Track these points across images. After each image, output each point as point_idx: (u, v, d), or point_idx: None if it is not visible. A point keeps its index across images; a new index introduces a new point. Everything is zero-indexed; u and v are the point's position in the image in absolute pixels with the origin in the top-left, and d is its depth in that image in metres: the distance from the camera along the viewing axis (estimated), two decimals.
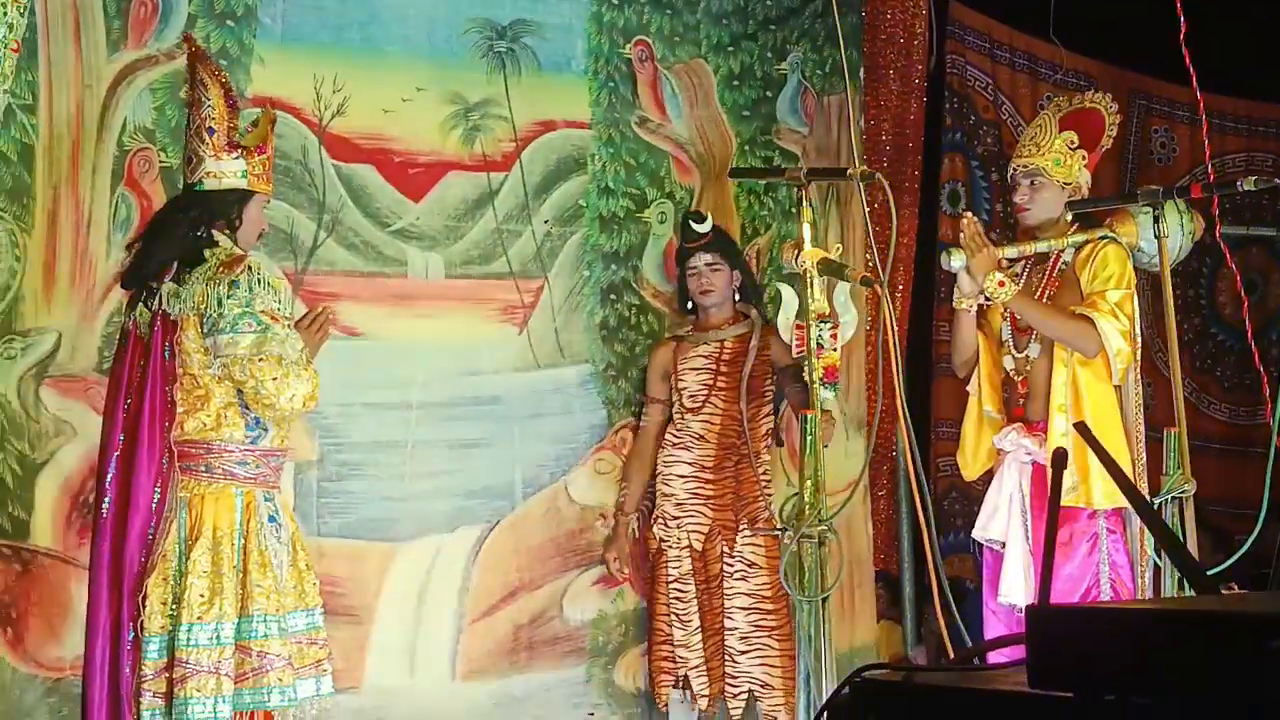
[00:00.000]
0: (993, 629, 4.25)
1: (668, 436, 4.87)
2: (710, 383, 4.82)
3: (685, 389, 4.85)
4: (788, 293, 4.21)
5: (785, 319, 4.08)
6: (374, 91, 4.73)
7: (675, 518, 4.79)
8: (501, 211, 4.93)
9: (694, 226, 4.84)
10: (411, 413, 4.76)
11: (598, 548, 5.00)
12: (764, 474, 4.79)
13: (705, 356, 4.85)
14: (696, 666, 4.72)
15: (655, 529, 4.82)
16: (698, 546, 4.76)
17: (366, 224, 4.73)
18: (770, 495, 4.76)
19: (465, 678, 4.79)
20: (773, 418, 4.86)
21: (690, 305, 4.92)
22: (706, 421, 4.80)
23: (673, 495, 4.80)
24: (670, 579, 4.77)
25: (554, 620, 4.94)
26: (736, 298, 4.89)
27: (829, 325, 3.74)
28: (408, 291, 4.78)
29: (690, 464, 4.80)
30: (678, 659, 4.73)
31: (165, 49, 4.42)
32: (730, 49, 5.34)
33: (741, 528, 4.72)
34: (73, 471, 4.24)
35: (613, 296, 5.10)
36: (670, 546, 4.78)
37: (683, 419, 4.84)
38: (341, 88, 4.67)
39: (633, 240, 5.14)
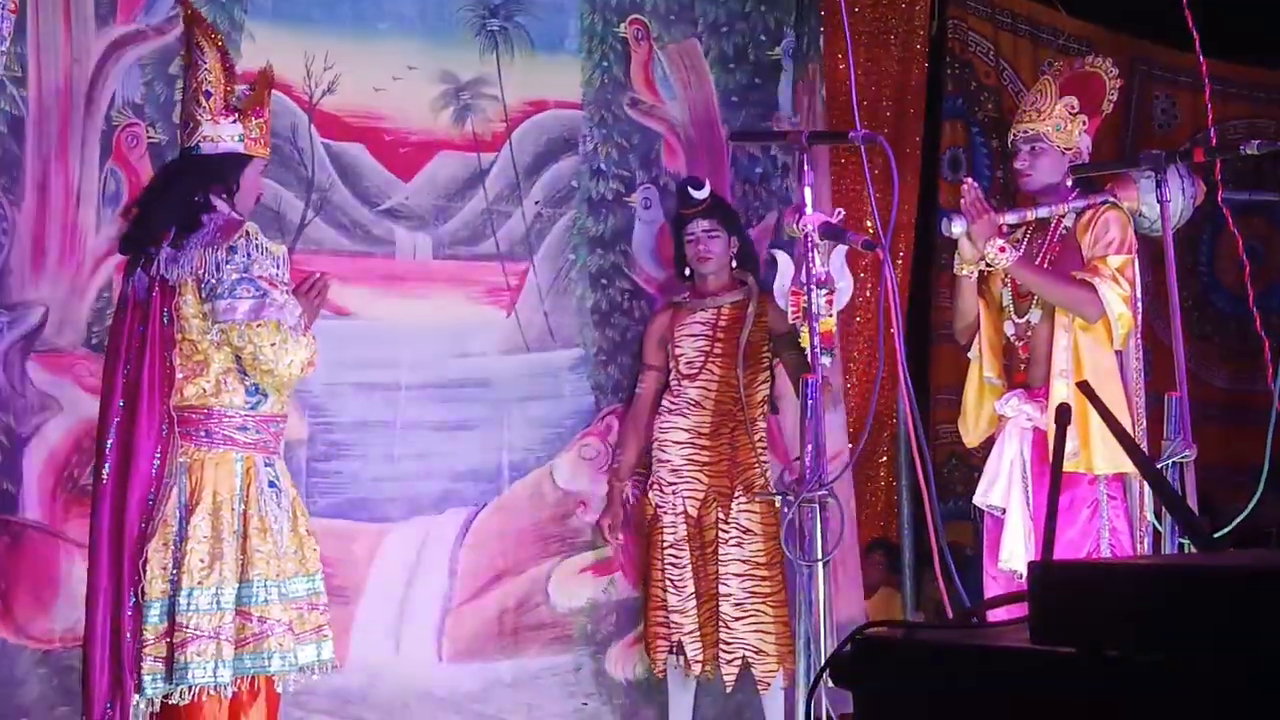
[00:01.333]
0: (993, 595, 4.25)
1: (664, 403, 4.86)
2: (707, 349, 4.81)
3: (682, 355, 4.84)
4: (783, 259, 4.19)
5: (781, 285, 4.07)
6: (365, 69, 4.71)
7: (671, 484, 4.79)
8: (492, 192, 4.90)
9: (692, 192, 4.83)
10: (400, 393, 4.74)
11: (580, 534, 4.98)
12: (760, 441, 4.78)
13: (702, 323, 4.84)
14: (690, 633, 4.72)
15: (651, 495, 4.82)
16: (693, 513, 4.76)
17: (355, 203, 4.72)
18: (766, 462, 4.76)
19: (452, 659, 4.78)
20: (769, 385, 4.85)
21: (688, 272, 4.91)
22: (703, 388, 4.80)
23: (668, 461, 4.79)
24: (665, 545, 4.77)
25: (540, 606, 4.92)
26: (734, 264, 4.87)
27: (825, 291, 3.73)
28: (396, 271, 4.77)
29: (686, 430, 4.80)
30: (672, 625, 4.74)
31: (155, 24, 4.39)
32: (724, 29, 5.31)
33: (737, 494, 4.71)
34: (58, 446, 4.24)
35: (604, 281, 5.08)
36: (666, 513, 4.78)
37: (679, 385, 4.83)
38: (332, 65, 4.65)
39: (620, 224, 5.11)
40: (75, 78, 4.27)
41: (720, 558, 4.70)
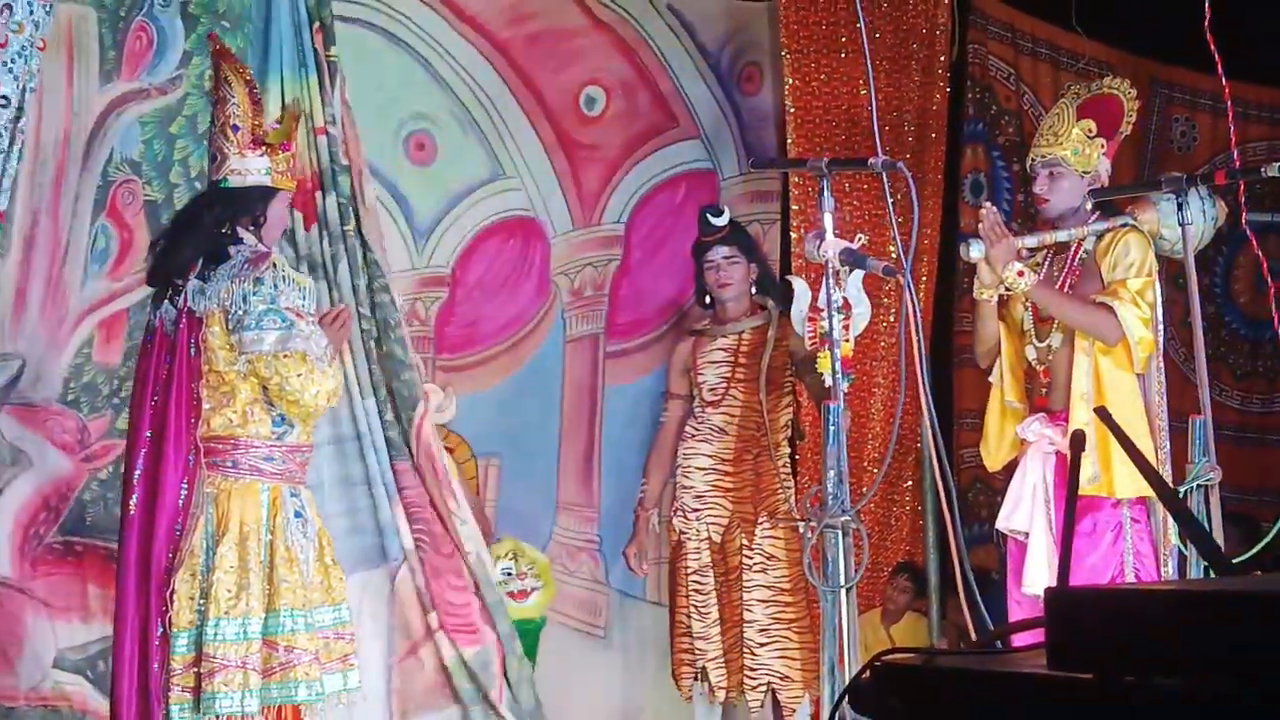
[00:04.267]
0: (1016, 619, 4.24)
1: (687, 429, 4.87)
2: (729, 375, 4.82)
3: (705, 382, 4.85)
4: (800, 285, 4.22)
5: (799, 311, 4.09)
6: None
7: (694, 510, 4.79)
8: None
9: (711, 220, 4.85)
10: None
11: None
12: (783, 466, 4.79)
13: (724, 349, 4.85)
14: (715, 659, 4.73)
15: (675, 521, 4.83)
16: (716, 539, 4.77)
17: None
18: (789, 487, 4.77)
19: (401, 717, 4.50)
20: (792, 409, 4.86)
21: (708, 300, 4.92)
22: (726, 414, 4.81)
23: (692, 488, 4.80)
24: (689, 571, 4.78)
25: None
26: (754, 291, 4.89)
27: (842, 316, 3.75)
28: None
29: (710, 457, 4.80)
30: (696, 651, 4.74)
31: (158, 83, 4.36)
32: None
33: (761, 520, 4.72)
34: (25, 502, 4.17)
35: None
36: (689, 539, 4.79)
37: (703, 412, 4.85)
38: None
39: None
40: (74, 132, 4.21)
41: (745, 584, 4.70)
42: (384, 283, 4.42)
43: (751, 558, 4.71)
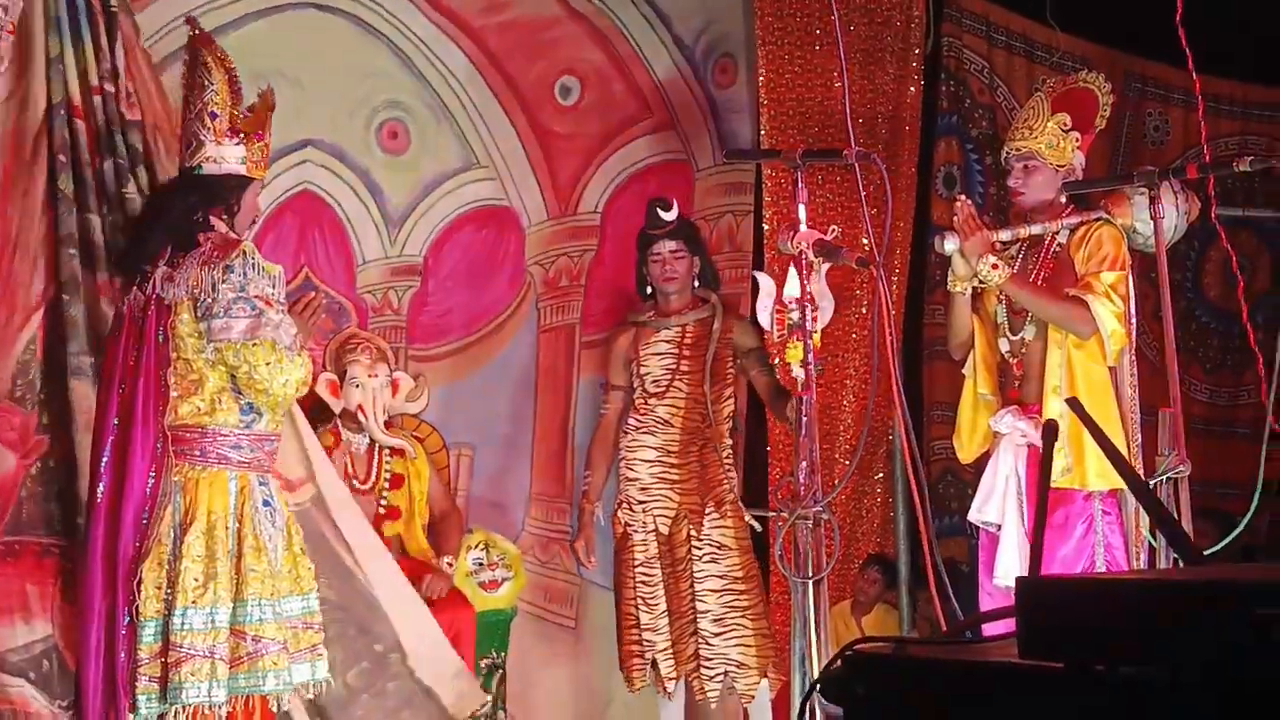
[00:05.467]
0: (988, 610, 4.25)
1: (630, 421, 4.85)
2: (674, 367, 4.82)
3: (648, 374, 4.84)
4: (764, 280, 4.22)
5: (764, 305, 4.09)
6: None
7: (640, 502, 4.79)
8: None
9: (660, 214, 4.83)
10: None
11: None
12: (726, 457, 4.78)
13: (668, 341, 4.84)
14: (664, 650, 4.73)
15: (620, 514, 4.82)
16: (664, 530, 4.77)
17: None
18: (733, 477, 4.77)
19: None
20: (733, 401, 4.86)
21: (649, 291, 4.91)
22: (671, 406, 4.80)
23: (637, 480, 4.79)
24: (636, 563, 4.78)
25: None
26: (695, 284, 4.89)
27: (811, 309, 3.76)
28: None
29: (655, 449, 4.80)
30: (645, 643, 4.74)
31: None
32: None
33: (708, 510, 4.72)
34: None
35: None
36: (635, 531, 4.79)
37: (646, 404, 4.83)
38: None
39: None
40: (23, 126, 4.13)
41: (695, 575, 4.70)
42: None
43: (701, 548, 4.71)
